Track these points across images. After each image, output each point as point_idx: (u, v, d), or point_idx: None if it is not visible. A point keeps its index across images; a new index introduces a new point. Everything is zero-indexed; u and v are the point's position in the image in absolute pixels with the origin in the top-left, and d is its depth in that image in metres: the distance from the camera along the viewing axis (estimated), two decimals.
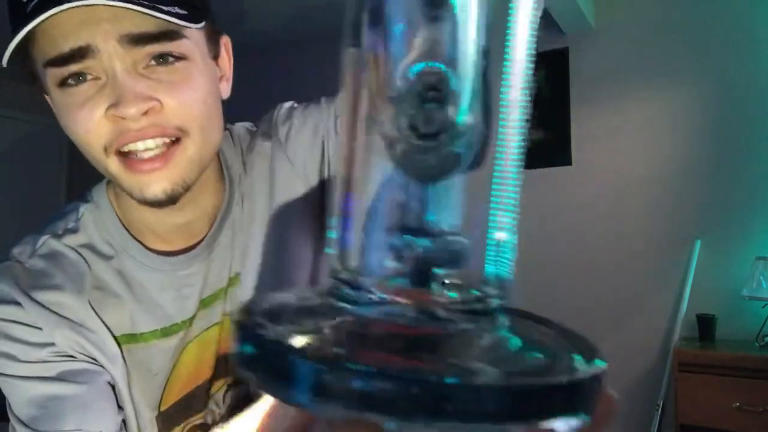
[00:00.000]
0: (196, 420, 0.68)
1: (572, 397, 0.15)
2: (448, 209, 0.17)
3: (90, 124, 0.51)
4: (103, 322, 0.61)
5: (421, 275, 0.17)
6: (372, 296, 0.17)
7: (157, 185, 0.52)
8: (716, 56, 2.79)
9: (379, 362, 0.15)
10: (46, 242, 0.62)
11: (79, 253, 0.63)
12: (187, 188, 0.55)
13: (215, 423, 0.68)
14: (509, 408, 0.14)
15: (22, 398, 0.57)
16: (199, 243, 0.64)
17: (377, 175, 0.19)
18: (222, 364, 0.68)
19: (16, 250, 0.63)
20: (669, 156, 2.87)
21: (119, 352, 0.62)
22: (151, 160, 0.51)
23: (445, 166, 0.18)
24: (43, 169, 5.34)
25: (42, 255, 0.62)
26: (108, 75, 0.50)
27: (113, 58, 0.49)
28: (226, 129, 0.67)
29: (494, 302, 0.17)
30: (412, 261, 0.17)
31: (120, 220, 0.64)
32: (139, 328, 0.63)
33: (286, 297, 0.21)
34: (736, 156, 2.72)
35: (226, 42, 0.62)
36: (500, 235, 0.18)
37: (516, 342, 0.17)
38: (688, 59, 2.85)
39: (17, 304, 0.59)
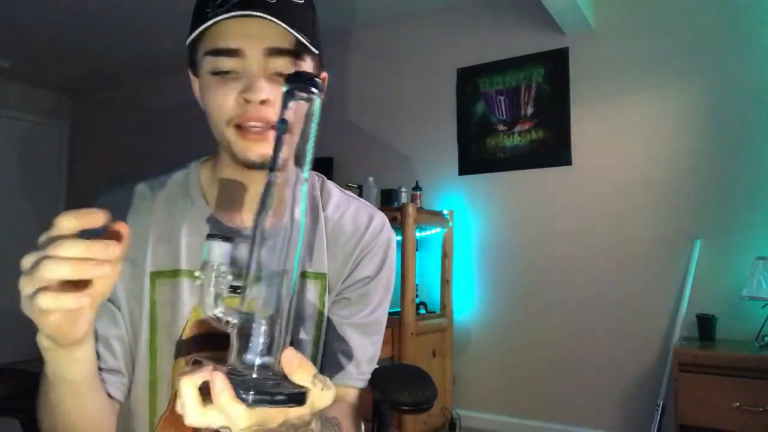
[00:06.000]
0: (199, 356, 0.81)
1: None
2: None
3: (224, 102, 0.72)
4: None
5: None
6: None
7: (258, 149, 0.72)
8: (716, 56, 2.79)
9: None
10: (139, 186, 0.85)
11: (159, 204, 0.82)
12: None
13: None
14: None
15: None
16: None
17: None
18: None
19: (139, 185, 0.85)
20: (669, 156, 2.87)
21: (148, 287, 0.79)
22: (257, 133, 0.71)
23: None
24: (43, 169, 5.34)
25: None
26: (246, 72, 0.70)
27: (254, 61, 0.70)
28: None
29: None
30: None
31: (201, 187, 0.84)
32: (180, 266, 0.79)
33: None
34: (736, 156, 2.72)
35: (324, 77, 0.81)
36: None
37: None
38: (688, 59, 2.85)
39: None
